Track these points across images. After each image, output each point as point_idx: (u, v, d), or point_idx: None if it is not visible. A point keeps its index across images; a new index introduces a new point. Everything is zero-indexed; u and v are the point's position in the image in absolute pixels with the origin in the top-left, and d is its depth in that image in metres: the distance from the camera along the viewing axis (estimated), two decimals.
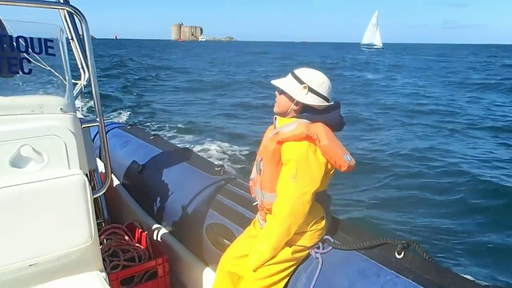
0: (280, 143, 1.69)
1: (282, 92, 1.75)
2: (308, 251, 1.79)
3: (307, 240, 1.77)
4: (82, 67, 2.48)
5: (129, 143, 3.66)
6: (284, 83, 1.74)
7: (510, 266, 4.34)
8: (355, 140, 9.38)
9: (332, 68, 35.00)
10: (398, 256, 1.64)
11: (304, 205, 1.64)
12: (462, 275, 1.55)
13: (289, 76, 1.76)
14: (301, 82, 1.70)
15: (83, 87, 2.50)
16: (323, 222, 1.81)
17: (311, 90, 1.69)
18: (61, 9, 1.98)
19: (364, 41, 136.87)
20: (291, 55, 63.31)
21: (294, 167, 1.64)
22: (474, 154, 8.59)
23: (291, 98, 1.72)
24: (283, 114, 1.79)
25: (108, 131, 4.00)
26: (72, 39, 2.41)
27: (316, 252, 1.78)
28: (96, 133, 3.50)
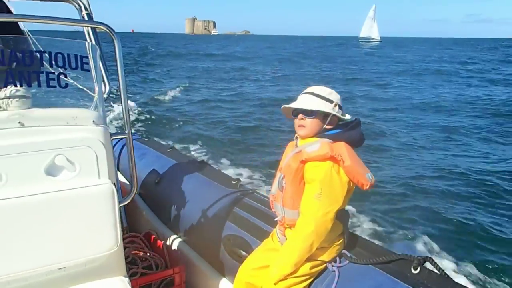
0: (304, 162, 1.73)
1: (311, 115, 1.73)
2: (325, 265, 1.82)
3: (326, 255, 1.80)
4: (103, 81, 2.58)
5: (147, 155, 3.74)
6: (316, 105, 1.72)
7: None
8: None
9: None
10: (414, 272, 1.65)
11: (327, 223, 1.69)
12: None
13: (311, 97, 1.75)
14: (330, 101, 1.74)
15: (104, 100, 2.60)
16: (342, 237, 1.85)
17: (339, 107, 1.76)
18: (96, 27, 2.08)
19: (362, 35, 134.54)
20: None
21: (318, 186, 1.67)
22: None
23: (323, 119, 1.74)
24: (314, 136, 1.77)
25: (126, 143, 4.08)
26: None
27: (333, 266, 1.81)
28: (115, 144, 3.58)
